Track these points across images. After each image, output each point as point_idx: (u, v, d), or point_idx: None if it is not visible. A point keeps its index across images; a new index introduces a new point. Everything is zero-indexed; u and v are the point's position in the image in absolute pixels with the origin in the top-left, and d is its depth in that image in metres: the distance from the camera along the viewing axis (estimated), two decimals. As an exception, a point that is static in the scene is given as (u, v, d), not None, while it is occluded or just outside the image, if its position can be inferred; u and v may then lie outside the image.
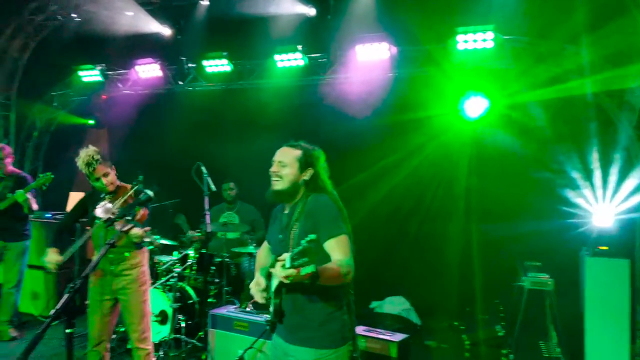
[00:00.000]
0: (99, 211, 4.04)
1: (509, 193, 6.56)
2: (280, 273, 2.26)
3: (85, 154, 4.05)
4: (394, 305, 6.81)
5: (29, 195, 5.63)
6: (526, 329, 5.63)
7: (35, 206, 5.80)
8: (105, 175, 4.13)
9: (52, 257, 4.05)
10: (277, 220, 2.95)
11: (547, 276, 5.49)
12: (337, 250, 2.60)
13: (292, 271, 2.22)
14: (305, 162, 2.81)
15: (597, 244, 5.39)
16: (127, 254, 4.17)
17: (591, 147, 6.15)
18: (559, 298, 5.57)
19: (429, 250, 7.02)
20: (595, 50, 5.92)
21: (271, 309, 2.72)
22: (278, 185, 2.78)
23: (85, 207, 4.31)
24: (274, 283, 2.65)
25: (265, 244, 3.16)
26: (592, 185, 6.10)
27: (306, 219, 2.70)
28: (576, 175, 6.27)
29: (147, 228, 3.93)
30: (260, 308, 4.87)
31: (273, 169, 2.80)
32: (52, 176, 5.67)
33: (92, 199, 4.27)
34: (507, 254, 6.41)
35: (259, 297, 2.76)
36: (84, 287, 4.26)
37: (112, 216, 3.75)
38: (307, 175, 2.80)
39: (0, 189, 5.82)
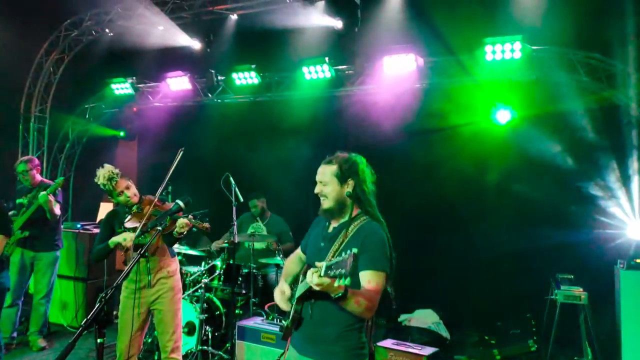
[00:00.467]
0: (130, 224, 4.06)
1: (541, 203, 6.46)
2: (314, 279, 2.22)
3: (105, 170, 4.10)
4: (423, 318, 6.71)
5: (51, 198, 5.62)
6: (560, 344, 5.50)
7: (57, 211, 5.82)
8: (128, 188, 4.17)
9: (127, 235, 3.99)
10: (321, 228, 2.93)
11: (581, 289, 5.36)
12: (372, 282, 2.55)
13: (327, 280, 2.19)
14: (343, 175, 2.78)
15: (633, 256, 5.25)
16: (161, 263, 4.19)
17: (628, 158, 6.02)
18: (593, 312, 5.43)
19: (459, 262, 6.92)
20: (625, 61, 5.83)
21: (290, 314, 2.70)
22: (325, 204, 2.79)
23: (112, 226, 4.28)
24: (300, 289, 2.62)
25: (295, 253, 3.14)
26: (628, 196, 5.96)
27: (355, 239, 2.66)
28: (611, 186, 6.14)
29: (191, 215, 3.87)
30: (283, 315, 4.85)
31: (317, 190, 2.82)
32: (63, 178, 5.78)
33: (116, 216, 4.29)
34: (539, 266, 6.28)
35: (282, 305, 2.77)
36: (113, 299, 4.33)
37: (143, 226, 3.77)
38: (349, 187, 2.77)
39: (29, 199, 5.89)
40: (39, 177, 6.09)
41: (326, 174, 2.79)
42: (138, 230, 3.81)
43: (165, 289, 4.21)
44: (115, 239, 4.04)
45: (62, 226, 6.25)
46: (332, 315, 2.60)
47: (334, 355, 2.63)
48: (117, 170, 4.14)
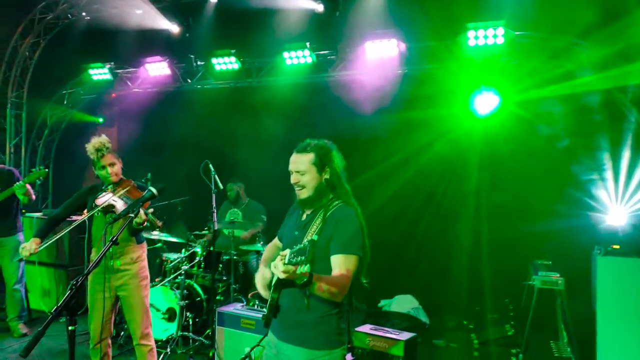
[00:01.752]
0: (100, 201, 4.02)
1: (519, 191, 6.52)
2: (279, 267, 2.22)
3: (97, 139, 4.06)
4: (403, 303, 6.76)
5: (27, 186, 5.55)
6: (536, 328, 5.56)
7: (33, 196, 5.74)
8: (112, 164, 4.11)
9: (30, 245, 3.98)
10: (295, 216, 2.91)
11: (558, 275, 5.41)
12: (342, 267, 2.54)
13: (290, 267, 2.19)
14: (321, 163, 2.74)
15: (610, 242, 5.31)
16: (125, 249, 4.15)
17: (604, 145, 6.07)
18: (570, 298, 5.50)
19: (438, 249, 6.97)
20: (607, 46, 5.84)
21: (268, 302, 2.70)
22: (304, 194, 2.74)
23: (84, 200, 4.26)
24: (275, 277, 2.62)
25: (273, 242, 3.13)
26: (604, 183, 6.01)
27: (327, 224, 2.64)
28: (588, 173, 6.19)
29: (151, 210, 3.78)
30: (266, 303, 4.85)
31: (293, 180, 2.76)
32: (47, 171, 5.62)
33: (92, 191, 4.24)
34: (517, 252, 6.34)
35: (262, 290, 2.76)
36: (84, 285, 4.29)
37: (114, 203, 3.75)
38: (327, 174, 2.75)
39: None
40: None
41: (303, 162, 2.74)
42: (71, 226, 3.88)
43: (129, 275, 4.16)
44: (21, 246, 4.02)
45: (22, 210, 6.16)
46: (309, 301, 2.59)
47: (312, 340, 2.63)
48: (109, 144, 4.08)
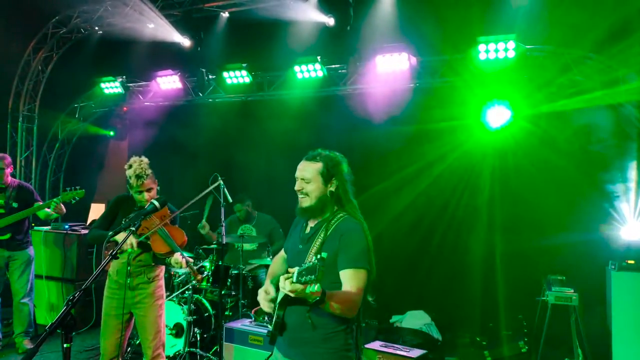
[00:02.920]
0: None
1: (532, 204, 6.43)
2: (286, 286, 2.18)
3: (138, 164, 4.02)
4: (415, 319, 6.67)
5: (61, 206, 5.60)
6: (551, 345, 5.46)
7: (64, 209, 5.76)
8: (149, 190, 4.10)
9: (130, 238, 3.77)
10: (299, 229, 2.86)
11: (572, 291, 5.32)
12: (352, 282, 2.49)
13: (299, 286, 2.14)
14: (328, 174, 2.70)
15: (625, 257, 5.21)
16: (143, 268, 4.13)
17: (618, 160, 5.99)
18: (584, 314, 5.40)
19: (450, 263, 6.87)
20: (621, 60, 5.79)
21: (273, 319, 2.64)
22: (306, 202, 2.70)
23: (117, 212, 4.22)
24: (280, 294, 2.57)
25: (281, 253, 3.07)
26: (619, 198, 5.93)
27: (332, 238, 2.60)
28: (603, 187, 6.11)
29: (190, 259, 3.85)
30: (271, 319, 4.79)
31: (297, 187, 2.72)
32: (84, 191, 5.59)
33: (125, 203, 4.20)
34: (531, 267, 6.24)
35: (265, 306, 2.68)
36: (99, 301, 4.26)
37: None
38: (332, 187, 2.70)
39: (4, 199, 5.82)
40: (10, 177, 5.99)
41: (310, 171, 2.70)
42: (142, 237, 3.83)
43: (144, 294, 4.13)
44: (118, 237, 3.64)
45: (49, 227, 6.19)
46: (315, 320, 2.54)
47: (319, 358, 2.58)
48: (149, 171, 4.06)
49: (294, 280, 2.15)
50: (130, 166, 4.03)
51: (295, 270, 2.18)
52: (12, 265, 5.95)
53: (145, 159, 4.09)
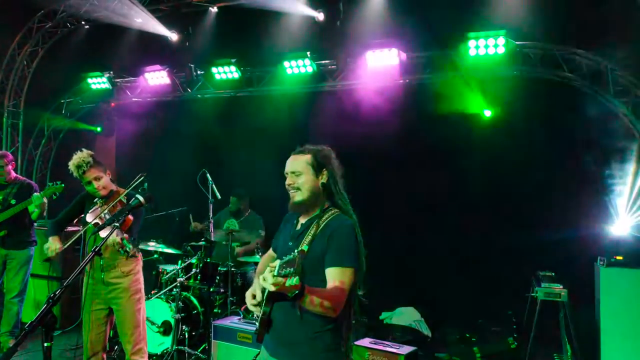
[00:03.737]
0: (89, 216, 3.95)
1: (523, 201, 6.44)
2: (267, 279, 2.13)
3: (78, 156, 3.99)
4: (405, 316, 6.66)
5: (45, 201, 5.47)
6: (540, 341, 5.48)
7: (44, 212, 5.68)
8: (97, 179, 4.02)
9: (54, 243, 3.95)
10: (289, 226, 2.81)
11: (561, 287, 5.34)
12: (336, 280, 2.43)
13: (280, 279, 2.10)
14: (318, 164, 2.65)
15: (613, 253, 5.23)
16: (115, 262, 4.06)
17: (608, 156, 6.00)
18: (573, 309, 5.42)
19: (440, 260, 6.86)
20: (610, 56, 5.80)
21: (260, 317, 2.57)
22: (298, 196, 2.64)
23: (83, 206, 4.20)
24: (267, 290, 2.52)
25: (268, 253, 3.03)
26: (608, 194, 5.94)
27: (322, 235, 2.54)
28: (592, 183, 6.12)
29: (126, 235, 3.70)
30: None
31: (288, 181, 2.66)
32: (63, 186, 5.50)
33: (90, 198, 4.16)
34: (520, 263, 6.25)
35: (252, 308, 2.59)
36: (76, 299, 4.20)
37: (99, 222, 3.65)
38: (324, 178, 2.66)
39: (4, 196, 5.73)
40: (13, 173, 5.92)
41: (299, 163, 2.66)
42: (70, 240, 3.77)
43: (120, 288, 4.06)
44: (45, 245, 3.98)
45: (35, 223, 6.08)
46: (302, 315, 2.48)
47: (305, 357, 2.53)
48: (89, 159, 3.99)
49: (275, 273, 2.12)
50: (71, 161, 4.00)
51: (277, 263, 2.15)
52: (9, 264, 5.86)
53: (85, 151, 4.05)
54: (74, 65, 8.59)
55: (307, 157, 2.66)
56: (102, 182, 4.05)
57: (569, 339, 5.48)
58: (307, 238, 2.56)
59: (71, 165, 3.99)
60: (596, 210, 6.02)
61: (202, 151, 8.23)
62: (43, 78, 8.96)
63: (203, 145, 8.34)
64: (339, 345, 2.56)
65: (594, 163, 6.17)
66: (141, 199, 3.25)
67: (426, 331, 6.49)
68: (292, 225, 2.78)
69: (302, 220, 2.72)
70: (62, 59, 8.73)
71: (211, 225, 5.30)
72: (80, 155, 4.00)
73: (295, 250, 2.12)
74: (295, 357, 2.55)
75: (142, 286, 4.25)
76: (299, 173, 2.64)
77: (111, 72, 8.35)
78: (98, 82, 8.39)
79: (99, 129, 9.28)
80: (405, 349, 4.46)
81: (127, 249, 3.62)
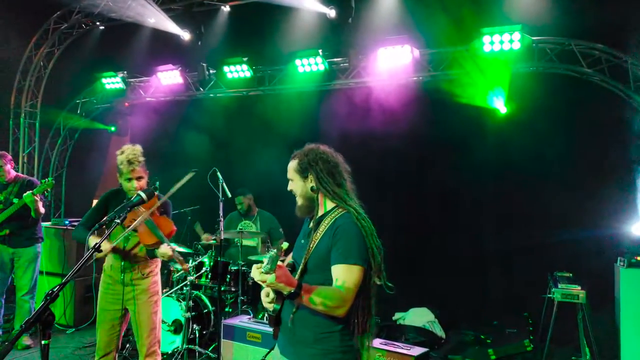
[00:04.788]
0: (127, 222, 3.82)
1: (538, 200, 6.30)
2: (255, 276, 2.18)
3: (131, 150, 3.87)
4: (418, 317, 6.55)
5: (37, 198, 5.48)
6: (557, 343, 5.36)
7: (42, 210, 5.70)
8: (139, 178, 3.93)
9: (104, 244, 3.58)
10: (305, 224, 2.81)
11: (579, 288, 5.19)
12: (341, 278, 2.38)
13: (265, 276, 2.14)
14: (302, 170, 2.63)
15: (634, 254, 5.08)
16: (136, 264, 4.03)
17: (628, 153, 5.86)
18: (592, 311, 5.27)
19: (455, 260, 6.75)
20: (632, 51, 5.65)
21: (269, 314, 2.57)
22: (297, 202, 2.69)
23: (107, 208, 4.06)
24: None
25: None
26: (628, 193, 5.79)
27: (329, 232, 2.51)
28: (612, 182, 5.97)
29: (177, 248, 3.69)
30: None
31: (288, 188, 2.71)
32: (53, 182, 5.58)
33: (115, 197, 4.06)
34: (536, 263, 6.11)
35: (266, 305, 2.54)
36: (96, 296, 4.17)
37: (130, 223, 3.58)
38: (312, 182, 2.62)
39: (5, 195, 5.76)
40: (13, 172, 5.94)
41: (290, 170, 2.69)
42: (121, 236, 3.72)
43: (138, 290, 4.01)
44: (91, 241, 3.61)
45: (41, 221, 6.10)
46: (309, 317, 2.44)
47: (311, 357, 2.47)
48: (142, 158, 3.91)
49: (263, 270, 2.14)
50: (123, 152, 3.88)
51: (265, 260, 2.17)
52: (17, 262, 5.90)
53: (138, 146, 3.95)
54: (89, 65, 8.66)
55: (294, 164, 2.67)
56: (142, 183, 3.97)
57: (588, 342, 5.33)
58: (316, 235, 2.54)
59: (123, 157, 3.85)
60: (615, 210, 5.86)
61: (214, 150, 8.24)
62: (59, 78, 9.07)
63: (215, 143, 8.34)
64: (348, 348, 2.48)
65: (613, 161, 6.02)
66: (143, 196, 3.20)
67: (440, 332, 6.37)
68: (307, 223, 2.76)
69: (313, 220, 2.69)
70: (77, 59, 8.82)
71: (221, 224, 5.25)
72: (134, 150, 3.88)
73: (274, 250, 2.15)
74: (301, 357, 2.50)
75: (160, 288, 4.20)
76: (291, 179, 2.68)
77: (125, 72, 8.40)
78: (112, 82, 8.45)
79: (113, 128, 9.36)
80: (417, 350, 4.36)
81: (181, 265, 3.68)
